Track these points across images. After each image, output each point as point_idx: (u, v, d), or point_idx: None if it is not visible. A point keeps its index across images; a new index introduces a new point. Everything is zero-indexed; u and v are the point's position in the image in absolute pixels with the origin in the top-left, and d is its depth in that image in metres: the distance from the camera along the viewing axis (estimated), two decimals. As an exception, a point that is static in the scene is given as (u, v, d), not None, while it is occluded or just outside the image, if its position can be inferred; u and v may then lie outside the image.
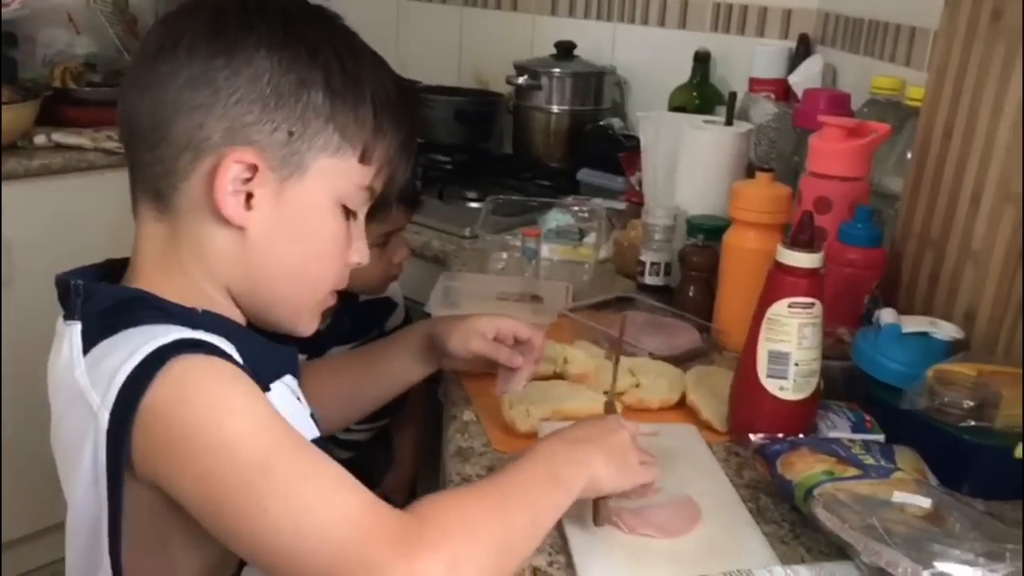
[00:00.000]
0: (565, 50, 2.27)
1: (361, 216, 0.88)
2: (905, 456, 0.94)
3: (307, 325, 0.89)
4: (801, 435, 1.00)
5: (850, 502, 0.84)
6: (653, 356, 1.23)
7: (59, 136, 2.18)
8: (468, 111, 2.33)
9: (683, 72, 2.12)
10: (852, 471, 0.90)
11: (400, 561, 0.67)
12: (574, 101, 2.25)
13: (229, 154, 0.78)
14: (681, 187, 1.52)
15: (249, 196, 0.80)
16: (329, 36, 0.82)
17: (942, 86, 1.22)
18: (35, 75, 2.39)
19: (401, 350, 1.16)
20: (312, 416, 0.92)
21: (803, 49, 1.98)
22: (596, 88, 2.27)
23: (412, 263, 1.68)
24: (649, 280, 1.50)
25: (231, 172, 0.78)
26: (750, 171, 1.46)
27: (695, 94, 2.09)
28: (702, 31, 2.18)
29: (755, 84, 1.96)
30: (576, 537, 0.86)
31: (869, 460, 0.92)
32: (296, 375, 0.91)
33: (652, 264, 1.50)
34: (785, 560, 0.85)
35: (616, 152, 1.94)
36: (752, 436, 1.00)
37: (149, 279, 0.82)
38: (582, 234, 1.66)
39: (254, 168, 0.79)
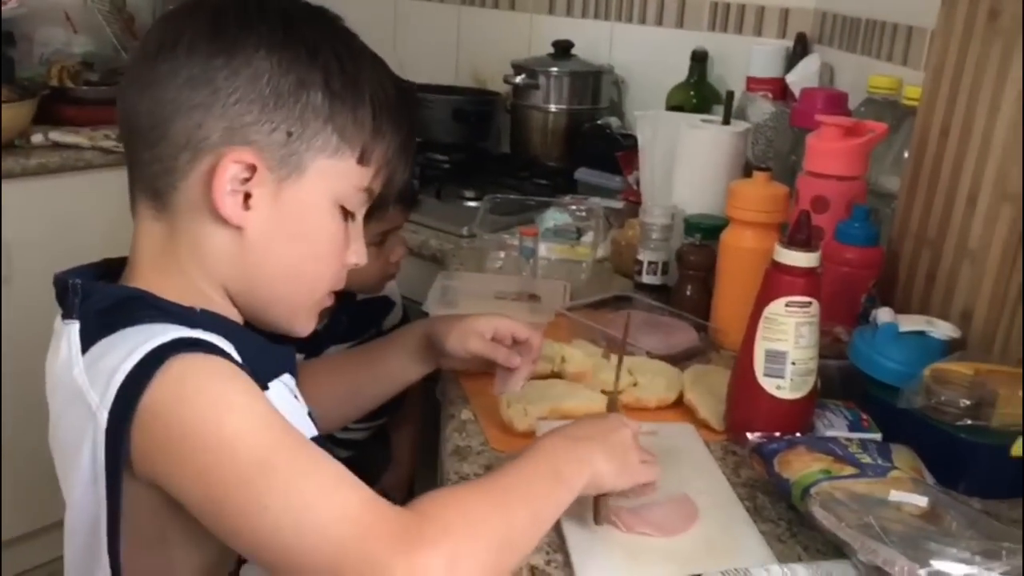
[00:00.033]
0: (563, 49, 2.28)
1: (359, 217, 0.88)
2: (902, 455, 0.95)
3: (304, 325, 0.90)
4: (798, 434, 1.00)
5: (847, 501, 0.84)
6: (651, 355, 1.24)
7: (56, 135, 2.18)
8: (466, 110, 2.33)
9: (680, 71, 2.12)
10: (849, 470, 0.90)
11: (400, 558, 0.67)
12: (572, 100, 2.25)
13: (228, 154, 0.78)
14: (678, 186, 1.52)
15: (247, 196, 0.80)
16: (329, 37, 0.82)
17: (939, 85, 1.22)
18: (32, 74, 2.39)
19: (399, 349, 1.16)
20: (310, 415, 0.92)
21: (800, 48, 1.99)
22: (594, 87, 2.27)
23: (410, 262, 1.68)
24: (647, 279, 1.50)
25: (229, 172, 0.78)
26: (747, 170, 1.46)
27: (692, 93, 2.09)
28: (699, 30, 2.18)
29: (752, 83, 1.96)
30: (574, 536, 0.87)
31: (866, 459, 0.92)
32: (294, 374, 0.91)
33: (650, 263, 1.50)
34: (782, 559, 0.85)
35: (614, 151, 1.94)
36: (749, 435, 1.00)
37: (147, 278, 0.82)
38: (580, 233, 1.67)
39: (252, 168, 0.79)
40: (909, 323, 1.08)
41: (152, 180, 0.81)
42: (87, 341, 0.76)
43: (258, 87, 0.78)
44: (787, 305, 1.00)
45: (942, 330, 1.08)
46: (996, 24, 1.12)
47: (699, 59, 2.10)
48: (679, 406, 1.15)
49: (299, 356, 0.96)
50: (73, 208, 2.14)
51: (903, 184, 1.30)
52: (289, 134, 0.79)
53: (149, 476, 0.73)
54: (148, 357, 0.71)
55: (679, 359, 1.24)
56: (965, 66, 1.17)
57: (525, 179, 2.15)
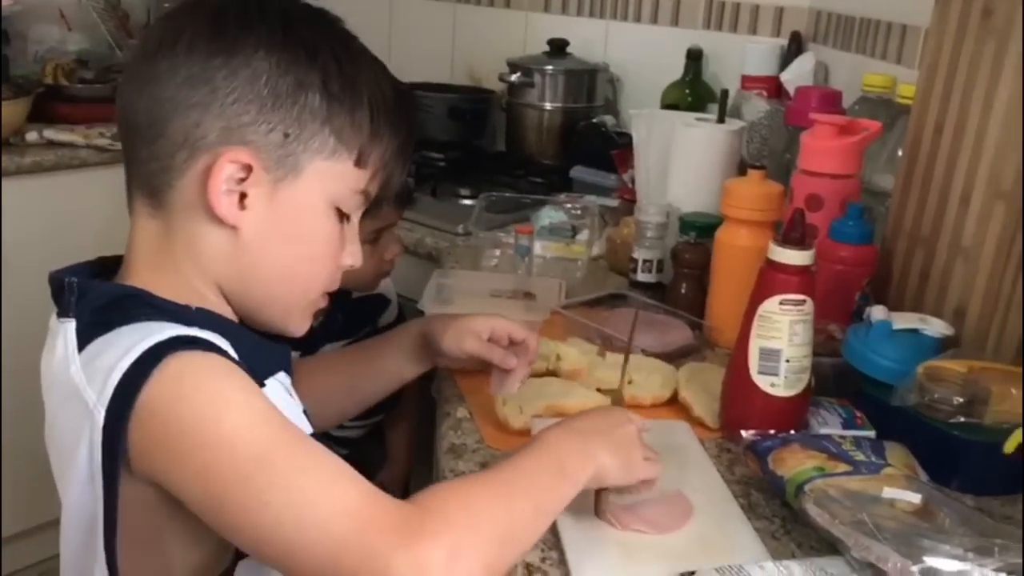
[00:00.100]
0: (558, 47, 2.28)
1: (355, 219, 0.88)
2: (895, 452, 0.95)
3: (298, 325, 0.90)
4: (792, 431, 1.01)
5: (840, 498, 0.84)
6: (646, 353, 1.24)
7: (51, 133, 2.18)
8: (461, 108, 2.33)
9: (675, 69, 2.12)
10: (843, 467, 0.90)
11: (401, 551, 0.67)
12: (567, 98, 2.25)
13: (224, 153, 0.78)
14: (673, 184, 1.52)
15: (243, 196, 0.80)
16: (328, 39, 0.82)
17: (933, 84, 1.22)
18: (27, 72, 2.38)
19: (395, 348, 1.16)
20: (305, 412, 0.92)
21: (795, 47, 1.99)
22: (589, 85, 2.27)
23: (405, 260, 1.68)
24: (642, 277, 1.51)
25: (225, 171, 0.78)
26: (742, 168, 1.46)
27: (687, 91, 2.10)
28: (694, 28, 2.18)
29: (747, 81, 1.97)
30: (569, 533, 0.87)
31: (859, 456, 0.92)
32: (289, 372, 0.91)
33: (645, 261, 1.50)
34: (776, 556, 0.85)
35: (609, 149, 1.94)
36: (744, 432, 1.00)
37: (142, 276, 0.82)
38: (575, 231, 1.67)
39: (248, 168, 0.79)
40: (903, 321, 1.08)
41: (149, 178, 0.81)
42: (83, 339, 0.76)
43: (256, 87, 0.78)
44: (781, 303, 1.01)
45: (935, 328, 1.08)
46: (989, 23, 1.13)
47: (694, 57, 2.11)
48: (674, 404, 1.15)
49: (295, 354, 0.97)
50: (68, 206, 2.14)
51: (897, 182, 1.30)
52: (286, 135, 0.80)
53: (147, 474, 0.73)
54: (145, 355, 0.72)
55: (674, 357, 1.25)
56: (959, 65, 1.18)
57: (520, 177, 2.15)
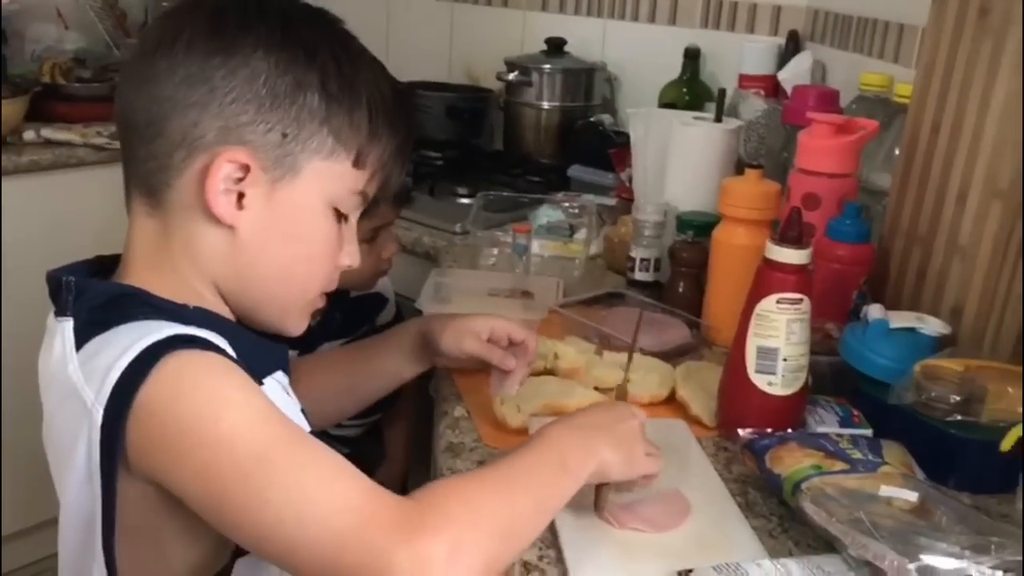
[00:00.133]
0: (555, 46, 2.28)
1: (353, 219, 0.88)
2: (892, 450, 0.95)
3: (296, 325, 0.90)
4: (789, 430, 1.01)
5: (838, 496, 0.84)
6: (643, 351, 1.24)
7: (48, 132, 2.18)
8: (459, 107, 2.33)
9: (673, 68, 2.12)
10: (840, 465, 0.90)
11: (402, 546, 0.67)
12: (564, 97, 2.25)
13: (222, 153, 0.78)
14: (671, 183, 1.52)
15: (241, 196, 0.80)
16: (328, 39, 0.82)
17: (930, 83, 1.23)
18: (24, 71, 2.38)
19: (395, 347, 1.16)
20: (303, 411, 0.92)
21: (792, 46, 1.99)
22: (586, 84, 2.27)
23: (403, 259, 1.68)
24: (639, 276, 1.51)
25: (223, 171, 0.78)
26: (739, 167, 1.46)
27: (685, 90, 2.10)
28: (692, 27, 2.18)
29: (744, 80, 1.97)
30: (567, 531, 0.87)
31: (857, 454, 0.93)
32: (287, 371, 0.91)
33: (642, 260, 1.50)
34: (773, 554, 0.86)
35: (606, 148, 1.94)
36: (741, 431, 1.01)
37: (140, 275, 0.82)
38: (572, 230, 1.67)
39: (246, 168, 0.79)
40: (900, 319, 1.09)
41: (147, 177, 0.81)
42: (81, 338, 0.76)
43: (255, 87, 0.78)
44: (778, 302, 1.01)
45: (932, 326, 1.08)
46: (986, 22, 1.13)
47: (691, 56, 2.11)
48: (671, 402, 1.16)
49: (292, 353, 0.97)
50: (65, 205, 2.14)
51: (894, 181, 1.30)
52: (284, 135, 0.80)
53: (146, 473, 0.73)
54: (144, 354, 0.72)
55: (671, 355, 1.25)
56: (955, 63, 1.18)
57: (518, 176, 2.15)
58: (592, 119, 2.19)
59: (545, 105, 2.26)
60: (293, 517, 0.69)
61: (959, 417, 0.98)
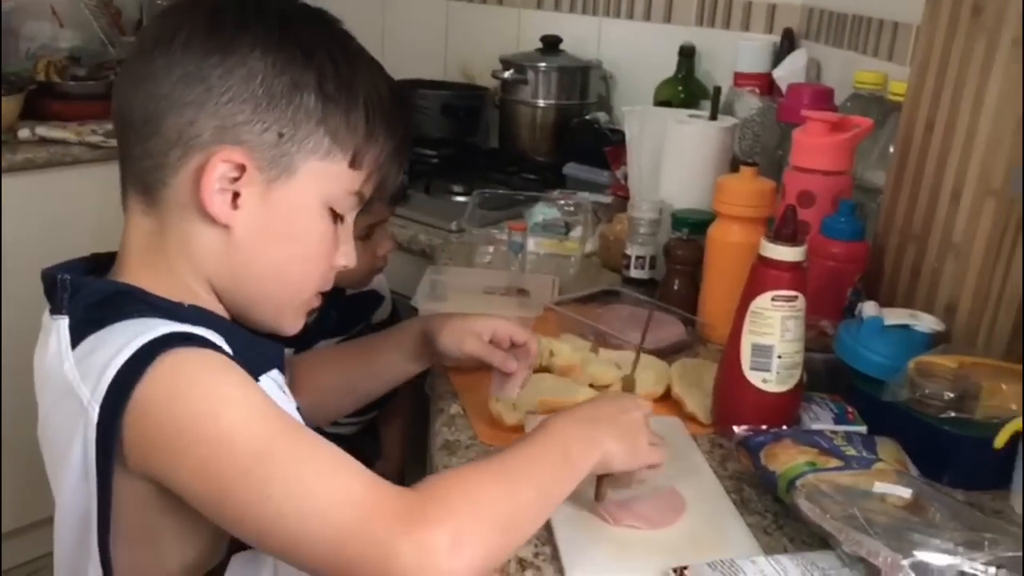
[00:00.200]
0: (551, 44, 2.28)
1: (349, 220, 0.88)
2: (886, 447, 0.95)
3: (291, 324, 0.90)
4: (784, 427, 1.01)
5: (832, 492, 0.85)
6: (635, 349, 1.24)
7: (43, 130, 2.18)
8: (454, 105, 2.33)
9: (668, 66, 2.12)
10: (834, 462, 0.91)
11: (405, 537, 0.67)
12: (560, 95, 2.25)
13: (218, 152, 0.78)
14: (666, 181, 1.53)
15: (236, 195, 0.80)
16: (325, 39, 0.82)
17: (924, 81, 1.23)
18: (19, 69, 2.38)
19: (395, 346, 1.16)
20: (298, 410, 0.92)
21: (787, 43, 1.99)
22: (582, 82, 2.27)
23: (399, 257, 1.68)
24: (634, 274, 1.51)
25: (218, 171, 0.78)
26: (734, 165, 1.47)
27: (680, 88, 2.10)
28: (687, 25, 2.18)
29: (740, 78, 1.97)
30: (562, 528, 0.87)
31: (851, 451, 0.93)
32: (282, 370, 0.91)
33: (637, 258, 1.50)
34: (768, 550, 0.86)
35: (602, 146, 1.95)
36: (736, 428, 1.01)
37: (135, 273, 0.82)
38: (568, 228, 1.67)
39: (242, 168, 0.79)
40: (894, 317, 1.09)
41: (143, 175, 0.81)
42: (76, 336, 0.76)
43: (251, 87, 0.78)
44: (773, 299, 1.01)
45: (926, 323, 1.08)
46: (980, 20, 1.13)
47: (687, 54, 2.11)
48: (667, 400, 1.16)
49: (288, 351, 0.97)
50: (61, 203, 2.13)
51: (888, 179, 1.31)
52: (280, 135, 0.80)
53: (144, 471, 0.73)
54: (140, 352, 0.72)
55: (667, 353, 1.25)
56: (949, 62, 1.18)
57: (514, 174, 2.15)
58: (587, 117, 2.19)
59: (541, 103, 2.26)
60: (295, 512, 0.69)
61: (953, 414, 0.98)
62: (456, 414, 1.11)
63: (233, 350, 0.78)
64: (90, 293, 0.78)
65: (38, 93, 2.28)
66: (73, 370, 0.75)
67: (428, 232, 1.81)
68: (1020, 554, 0.75)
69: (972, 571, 0.74)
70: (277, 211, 0.82)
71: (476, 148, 2.39)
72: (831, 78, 1.84)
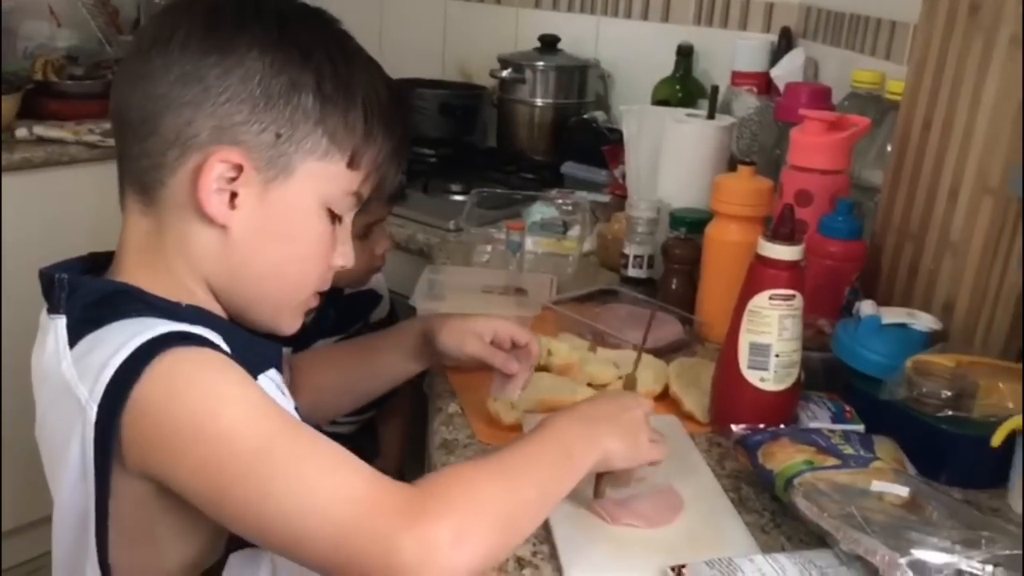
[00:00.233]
0: (549, 43, 2.28)
1: (347, 220, 0.88)
2: (884, 446, 0.95)
3: (289, 324, 0.90)
4: (782, 425, 1.01)
5: (829, 491, 0.85)
6: (636, 348, 1.24)
7: (41, 129, 2.17)
8: (452, 104, 2.33)
9: (666, 66, 2.12)
10: (832, 461, 0.91)
11: (406, 532, 0.68)
12: (558, 94, 2.25)
13: (215, 153, 0.78)
14: (664, 180, 1.53)
15: (233, 195, 0.80)
16: (324, 40, 0.82)
17: (921, 80, 1.23)
18: (16, 68, 2.38)
19: (396, 345, 1.16)
20: (296, 409, 0.92)
21: (785, 43, 1.99)
22: (580, 81, 2.27)
23: (396, 256, 1.68)
24: (632, 273, 1.51)
25: (216, 171, 0.78)
26: (732, 164, 1.47)
27: (678, 87, 2.10)
28: (685, 24, 2.18)
29: (737, 78, 1.97)
30: (560, 527, 0.87)
31: (848, 450, 0.93)
32: (280, 370, 0.91)
33: (635, 257, 1.50)
34: (766, 549, 0.86)
35: (600, 145, 1.95)
36: (734, 427, 1.01)
37: (133, 273, 0.82)
38: (566, 227, 1.67)
39: (239, 168, 0.79)
40: (891, 315, 1.09)
41: (140, 175, 0.81)
42: (74, 335, 0.76)
43: (249, 87, 0.78)
44: (771, 298, 1.01)
45: (924, 322, 1.09)
46: (977, 19, 1.13)
47: (684, 53, 2.11)
48: (664, 398, 1.16)
49: (286, 350, 0.97)
50: (58, 203, 2.13)
51: (886, 178, 1.31)
52: (278, 135, 0.80)
53: (143, 470, 0.73)
54: (138, 351, 0.72)
55: (664, 352, 1.25)
56: (947, 60, 1.18)
57: (511, 173, 2.15)
58: (585, 116, 2.19)
59: (538, 102, 2.26)
60: (296, 509, 0.69)
61: (950, 413, 0.98)
62: (454, 413, 1.11)
63: (231, 349, 0.78)
64: (88, 292, 0.78)
65: (36, 92, 2.27)
66: (71, 369, 0.75)
67: (426, 231, 1.81)
68: (1018, 552, 0.75)
69: (969, 569, 0.75)
70: (275, 211, 0.82)
71: (474, 147, 2.39)
72: (829, 77, 1.84)
